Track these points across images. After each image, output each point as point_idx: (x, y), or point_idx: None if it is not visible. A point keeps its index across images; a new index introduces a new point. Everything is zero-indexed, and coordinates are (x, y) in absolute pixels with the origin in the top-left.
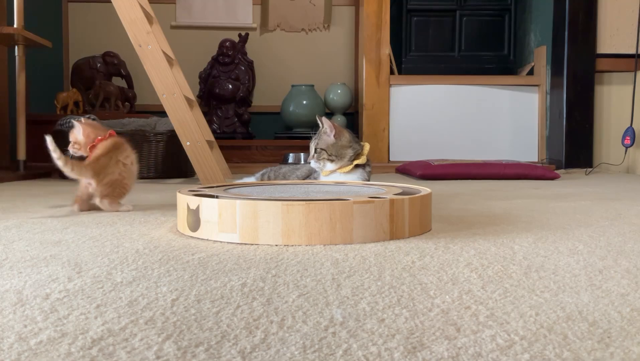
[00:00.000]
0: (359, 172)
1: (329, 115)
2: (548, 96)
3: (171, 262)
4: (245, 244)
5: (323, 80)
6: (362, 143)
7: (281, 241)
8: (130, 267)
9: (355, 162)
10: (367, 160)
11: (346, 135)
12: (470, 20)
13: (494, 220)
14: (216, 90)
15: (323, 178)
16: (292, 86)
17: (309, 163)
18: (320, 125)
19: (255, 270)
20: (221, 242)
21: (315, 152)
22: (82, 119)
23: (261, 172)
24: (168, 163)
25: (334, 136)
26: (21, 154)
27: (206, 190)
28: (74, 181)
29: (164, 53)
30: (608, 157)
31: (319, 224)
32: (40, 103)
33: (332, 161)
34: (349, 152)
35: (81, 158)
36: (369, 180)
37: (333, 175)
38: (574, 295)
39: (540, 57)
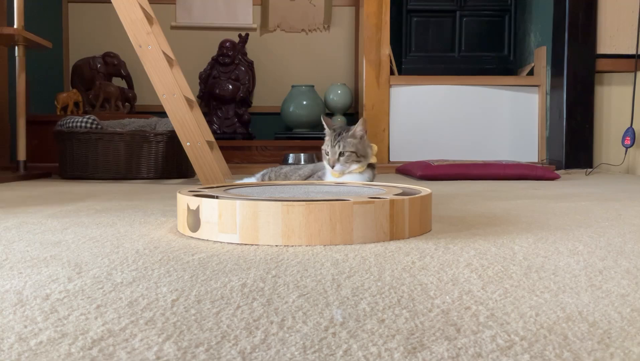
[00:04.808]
0: (369, 172)
1: (329, 115)
2: (548, 96)
3: (171, 263)
4: (246, 244)
5: (323, 80)
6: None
7: (281, 241)
8: (130, 268)
9: (369, 161)
10: (375, 163)
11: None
12: (470, 21)
13: (494, 220)
14: (216, 91)
15: (330, 178)
16: (292, 87)
17: (332, 168)
18: (326, 129)
19: (255, 270)
20: (221, 242)
21: (341, 155)
22: None
23: (262, 173)
24: (168, 163)
25: (361, 137)
26: (21, 155)
27: (206, 190)
28: (74, 182)
29: (164, 53)
30: (608, 157)
31: (319, 225)
32: (40, 104)
33: (358, 162)
34: (370, 151)
35: None
36: (373, 181)
37: (344, 175)
38: (574, 295)
39: (540, 58)
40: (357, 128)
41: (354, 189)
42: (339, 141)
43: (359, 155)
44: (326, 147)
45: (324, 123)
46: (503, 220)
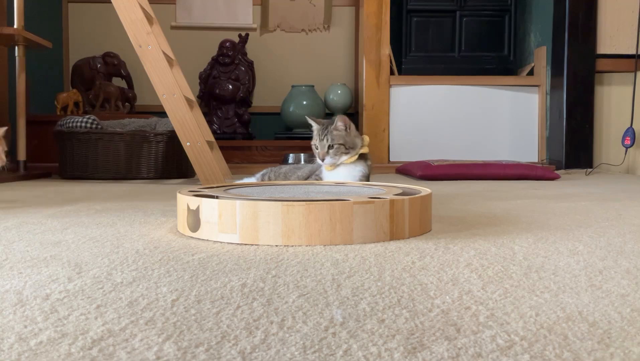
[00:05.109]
0: (362, 164)
1: (329, 115)
2: (548, 96)
3: (171, 263)
4: (246, 244)
5: (323, 80)
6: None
7: (281, 241)
8: (130, 268)
9: (360, 152)
10: (368, 154)
11: (352, 125)
12: (470, 21)
13: (494, 220)
14: (216, 91)
15: (325, 173)
16: (292, 86)
17: (322, 161)
18: (314, 125)
19: (255, 270)
20: (221, 242)
21: (331, 148)
22: None
23: (261, 173)
24: (168, 163)
25: (346, 129)
26: (21, 155)
27: (206, 190)
28: (74, 182)
29: (164, 53)
30: (608, 157)
31: (319, 224)
32: (40, 104)
33: (347, 153)
34: (359, 142)
35: None
36: (369, 174)
37: (338, 167)
38: (574, 295)
39: (540, 58)
40: (338, 123)
41: (354, 189)
42: (326, 134)
43: (347, 147)
44: (315, 141)
45: (310, 121)
46: (503, 220)
